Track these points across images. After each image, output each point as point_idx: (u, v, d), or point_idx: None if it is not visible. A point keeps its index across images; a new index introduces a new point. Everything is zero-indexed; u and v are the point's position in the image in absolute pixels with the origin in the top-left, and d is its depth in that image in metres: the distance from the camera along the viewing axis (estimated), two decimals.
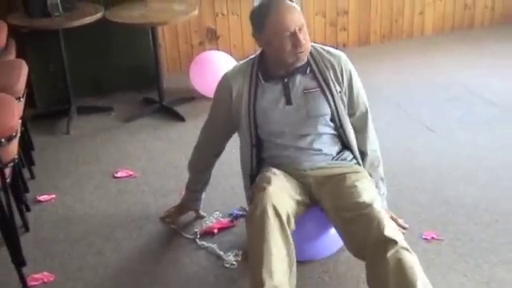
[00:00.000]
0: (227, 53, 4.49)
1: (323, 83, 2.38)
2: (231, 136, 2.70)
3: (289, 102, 2.38)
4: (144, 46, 4.24)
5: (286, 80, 2.37)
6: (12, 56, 3.51)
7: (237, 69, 2.47)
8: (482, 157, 3.37)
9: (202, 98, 4.27)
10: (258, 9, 2.31)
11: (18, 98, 2.85)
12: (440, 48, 5.11)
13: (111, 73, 4.40)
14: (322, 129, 2.42)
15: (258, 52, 2.44)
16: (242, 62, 2.50)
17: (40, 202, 3.17)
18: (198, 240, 2.77)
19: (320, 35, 5.08)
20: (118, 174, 3.40)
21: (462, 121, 3.83)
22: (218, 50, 4.69)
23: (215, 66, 4.23)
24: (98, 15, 3.84)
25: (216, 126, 2.65)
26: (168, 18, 3.93)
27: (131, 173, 3.41)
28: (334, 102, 2.39)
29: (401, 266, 1.98)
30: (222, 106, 2.52)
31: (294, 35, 2.24)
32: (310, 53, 2.40)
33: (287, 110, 2.38)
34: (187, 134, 3.83)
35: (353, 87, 2.48)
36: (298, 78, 2.37)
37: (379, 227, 2.08)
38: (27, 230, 2.93)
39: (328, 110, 2.39)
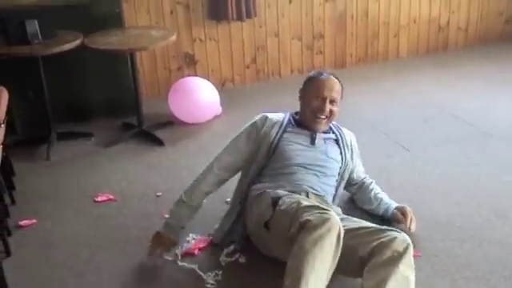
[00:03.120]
0: (205, 78, 4.55)
1: (340, 141, 2.95)
2: (237, 173, 3.00)
3: (313, 143, 2.86)
4: (123, 72, 4.29)
5: (313, 131, 2.89)
6: None
7: (275, 115, 2.99)
8: (457, 175, 3.45)
9: (181, 123, 4.32)
10: (313, 73, 3.00)
11: None
12: (415, 70, 5.23)
13: (90, 99, 4.43)
14: (330, 171, 2.84)
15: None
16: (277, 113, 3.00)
17: (21, 226, 3.17)
18: (178, 261, 2.79)
19: (297, 59, 5.17)
20: (98, 199, 3.42)
21: (436, 140, 3.91)
22: (196, 74, 4.75)
23: (194, 93, 4.29)
24: (77, 42, 3.88)
25: (233, 155, 2.95)
26: (146, 43, 3.98)
27: (111, 197, 3.43)
28: (345, 156, 2.93)
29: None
30: (247, 138, 2.95)
31: (323, 101, 2.81)
32: (334, 125, 2.99)
33: (310, 147, 2.85)
34: (166, 158, 3.87)
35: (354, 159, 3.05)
36: (323, 134, 2.91)
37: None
38: (9, 254, 2.92)
39: (340, 159, 2.90)
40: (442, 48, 5.63)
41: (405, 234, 2.33)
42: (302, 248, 2.16)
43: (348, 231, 2.32)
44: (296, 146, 2.82)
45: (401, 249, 2.24)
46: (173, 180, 3.58)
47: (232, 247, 2.85)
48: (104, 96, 4.44)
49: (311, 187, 2.73)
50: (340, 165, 2.89)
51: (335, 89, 2.83)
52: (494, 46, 5.72)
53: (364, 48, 5.36)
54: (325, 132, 2.90)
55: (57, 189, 3.57)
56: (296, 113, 2.98)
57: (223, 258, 2.79)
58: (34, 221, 3.22)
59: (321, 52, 5.23)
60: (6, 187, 3.40)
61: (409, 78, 5.08)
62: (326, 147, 2.86)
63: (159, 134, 4.16)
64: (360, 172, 3.10)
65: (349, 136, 3.02)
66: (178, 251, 2.86)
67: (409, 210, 2.87)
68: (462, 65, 5.32)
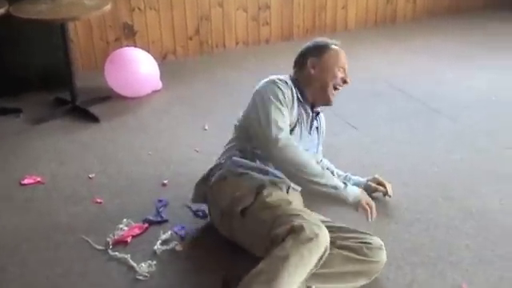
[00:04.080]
0: (145, 49, 4.30)
1: (319, 128, 2.75)
2: None
3: (310, 131, 2.63)
4: (54, 43, 3.99)
5: (313, 113, 2.64)
6: None
7: (285, 81, 2.52)
8: (404, 153, 3.35)
9: (119, 97, 4.08)
10: (318, 41, 2.66)
11: None
12: (363, 43, 5.10)
13: (19, 71, 4.12)
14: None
15: (288, 76, 2.61)
16: (278, 76, 2.54)
17: None
18: (110, 251, 2.60)
19: (242, 30, 4.96)
20: (25, 181, 3.17)
21: (384, 117, 3.80)
22: (135, 46, 4.49)
23: (132, 64, 4.05)
24: (1, 11, 3.57)
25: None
26: (78, 13, 3.69)
27: (39, 179, 3.18)
28: (319, 143, 2.79)
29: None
30: (285, 104, 2.46)
31: (344, 72, 2.59)
32: None
33: (307, 137, 2.62)
34: (101, 136, 3.64)
35: None
36: (319, 118, 2.71)
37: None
38: None
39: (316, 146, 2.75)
40: (390, 20, 5.52)
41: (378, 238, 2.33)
42: (287, 255, 1.99)
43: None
44: (298, 133, 2.55)
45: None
46: (108, 160, 3.36)
47: (169, 233, 2.68)
48: (35, 68, 4.14)
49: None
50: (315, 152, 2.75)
51: (346, 60, 2.65)
52: (442, 19, 5.64)
53: (312, 19, 5.19)
54: (317, 114, 2.69)
55: None
56: (293, 82, 2.56)
57: (158, 247, 2.60)
58: None
59: (267, 23, 5.03)
60: None
61: (357, 51, 4.94)
62: (314, 137, 2.70)
63: (95, 109, 3.91)
64: (320, 153, 2.91)
65: (323, 119, 2.83)
66: (110, 239, 2.66)
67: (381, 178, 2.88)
68: (411, 38, 5.23)
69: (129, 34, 4.59)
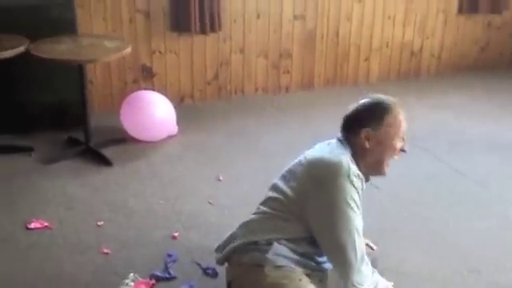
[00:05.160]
0: (163, 92, 4.23)
1: None
2: None
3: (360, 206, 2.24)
4: (72, 82, 3.92)
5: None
6: None
7: (355, 174, 2.16)
8: (426, 217, 3.20)
9: (133, 140, 3.99)
10: (376, 104, 2.28)
11: None
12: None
13: (34, 109, 4.05)
14: None
15: (344, 145, 2.28)
16: (344, 154, 2.20)
17: None
18: None
19: (262, 77, 4.89)
20: (32, 225, 3.06)
21: (406, 177, 3.65)
22: (153, 88, 4.42)
23: (149, 107, 3.98)
24: (21, 48, 3.53)
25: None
26: (97, 55, 3.65)
27: (46, 224, 3.08)
28: None
29: None
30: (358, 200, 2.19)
31: (402, 142, 2.27)
32: None
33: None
34: (113, 181, 3.53)
35: None
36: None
37: None
38: None
39: None
40: (414, 74, 5.42)
41: None
42: None
43: None
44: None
45: None
46: (118, 208, 3.25)
47: None
48: (50, 106, 4.07)
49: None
50: None
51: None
52: (467, 75, 5.53)
53: (333, 69, 5.11)
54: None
55: None
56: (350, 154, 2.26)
57: None
58: None
59: (288, 71, 4.96)
60: None
61: None
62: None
63: (108, 152, 3.82)
64: None
65: None
66: None
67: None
68: (435, 93, 5.11)
69: (147, 76, 4.53)
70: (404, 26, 5.21)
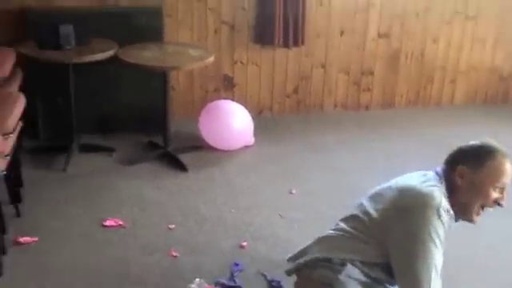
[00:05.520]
0: (242, 102, 4.28)
1: None
2: None
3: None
4: (155, 88, 4.05)
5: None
6: (15, 86, 3.38)
7: (446, 210, 2.12)
8: (506, 251, 3.07)
9: (210, 148, 4.06)
10: (482, 146, 2.22)
11: (7, 134, 2.66)
12: (470, 121, 4.79)
13: (118, 112, 4.20)
14: None
15: (439, 178, 2.22)
16: (437, 187, 2.16)
17: (20, 244, 2.96)
18: None
19: (342, 94, 4.86)
20: (107, 223, 3.18)
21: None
22: (233, 98, 4.48)
23: (227, 117, 4.04)
24: (111, 52, 3.69)
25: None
26: (181, 63, 3.76)
27: (121, 223, 3.19)
28: None
29: None
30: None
31: (501, 191, 2.17)
32: None
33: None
34: (187, 187, 3.61)
35: None
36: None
37: None
38: (0, 274, 2.73)
39: None
40: (501, 100, 5.22)
41: None
42: None
43: None
44: None
45: None
46: (189, 213, 3.32)
47: None
48: (133, 110, 4.20)
49: None
50: None
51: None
52: None
53: (416, 90, 5.00)
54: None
55: (66, 205, 3.36)
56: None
57: None
58: (35, 239, 3.01)
59: (369, 89, 4.90)
60: (12, 200, 3.20)
61: (462, 128, 4.63)
62: None
63: (184, 158, 3.90)
64: None
65: None
66: None
67: None
68: None
69: (228, 86, 4.60)
70: (494, 49, 5.04)
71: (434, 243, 2.05)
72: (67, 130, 3.95)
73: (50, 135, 4.16)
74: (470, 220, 2.22)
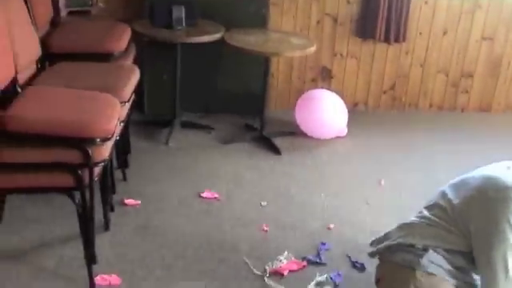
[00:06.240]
0: (338, 95, 4.38)
1: None
2: None
3: None
4: (256, 73, 4.23)
5: None
6: (129, 60, 3.62)
7: None
8: None
9: (303, 135, 4.20)
10: None
11: (123, 102, 2.90)
12: None
13: (220, 93, 4.43)
14: None
15: None
16: None
17: (125, 205, 3.22)
18: (266, 278, 2.69)
19: (438, 94, 4.86)
20: (204, 195, 3.39)
21: None
22: (329, 89, 4.58)
23: (323, 106, 4.16)
24: (217, 35, 3.89)
25: None
26: (282, 49, 3.91)
27: (216, 196, 3.38)
28: None
29: None
30: None
31: None
32: None
33: None
34: (279, 169, 3.77)
35: None
36: None
37: None
38: (107, 229, 2.99)
39: None
40: None
41: None
42: None
43: None
44: None
45: None
46: (281, 192, 3.48)
47: (324, 276, 2.70)
48: (233, 93, 4.42)
49: None
50: None
51: None
52: None
53: None
54: None
55: (168, 175, 3.59)
56: None
57: (312, 287, 2.64)
58: (139, 202, 3.25)
59: (467, 91, 4.88)
60: (121, 164, 3.47)
61: None
62: None
63: (278, 142, 4.07)
64: None
65: None
66: (268, 267, 2.75)
67: None
68: None
69: (325, 78, 4.72)
70: None
71: (509, 240, 2.10)
72: (170, 107, 4.21)
73: (153, 110, 4.43)
74: None
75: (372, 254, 2.50)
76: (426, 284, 2.21)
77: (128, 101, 3.03)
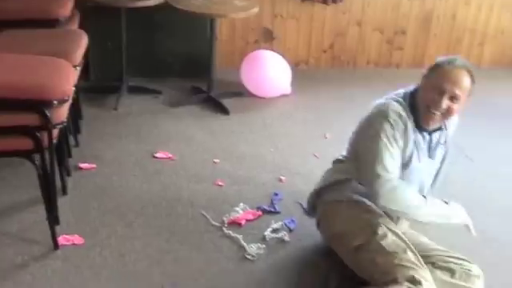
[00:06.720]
0: (280, 54, 4.53)
1: (445, 143, 2.55)
2: None
3: (431, 155, 2.48)
4: (201, 36, 4.32)
5: (430, 134, 2.46)
6: (75, 27, 3.64)
7: (395, 112, 2.37)
8: None
9: (250, 95, 4.34)
10: (444, 58, 2.39)
11: (75, 66, 2.95)
12: (496, 82, 5.01)
13: (165, 57, 4.50)
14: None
15: (407, 93, 2.47)
16: (393, 100, 2.42)
17: (81, 169, 3.28)
18: (224, 228, 2.83)
19: (375, 52, 5.08)
20: (158, 155, 3.48)
21: (503, 155, 3.78)
22: (272, 50, 4.72)
23: (267, 66, 4.30)
24: None
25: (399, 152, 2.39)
26: (227, 11, 4.00)
27: (170, 155, 3.49)
28: (445, 160, 2.58)
29: None
30: (397, 138, 2.37)
31: (440, 95, 2.30)
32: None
33: (427, 163, 2.48)
34: (228, 128, 3.90)
35: None
36: (438, 133, 2.49)
37: None
38: (65, 193, 3.04)
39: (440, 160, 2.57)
40: None
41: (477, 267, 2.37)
42: None
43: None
44: (417, 166, 2.43)
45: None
46: (232, 150, 3.61)
47: (279, 223, 2.88)
48: (179, 56, 4.50)
49: None
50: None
51: (460, 84, 2.30)
52: None
53: (445, 51, 5.19)
54: (439, 129, 2.49)
55: (120, 139, 3.66)
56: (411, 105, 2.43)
57: (268, 234, 2.81)
58: (94, 165, 3.32)
59: (400, 48, 5.12)
60: (73, 130, 3.51)
61: (489, 89, 4.87)
62: (437, 157, 2.53)
63: (226, 102, 4.19)
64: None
65: (454, 126, 2.62)
66: (226, 218, 2.90)
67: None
68: None
69: (268, 39, 4.85)
70: None
71: (383, 142, 2.31)
72: (117, 72, 4.24)
73: (99, 77, 4.45)
74: (423, 124, 2.38)
75: (308, 212, 2.77)
76: (354, 211, 2.45)
77: (78, 65, 3.07)
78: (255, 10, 4.02)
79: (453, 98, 2.31)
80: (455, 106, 2.33)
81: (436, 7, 5.04)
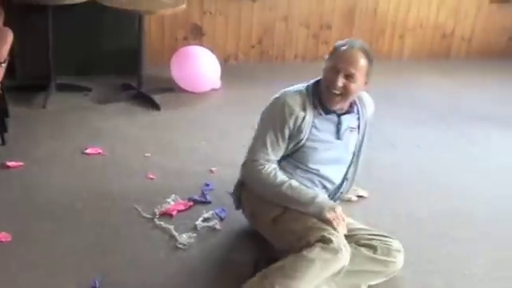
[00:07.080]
0: (210, 50, 4.59)
1: (362, 127, 2.69)
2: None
3: (338, 136, 2.60)
4: (130, 33, 4.33)
5: (339, 116, 2.59)
6: None
7: (295, 99, 2.56)
8: (430, 177, 3.55)
9: (180, 90, 4.39)
10: (342, 42, 2.55)
11: (0, 63, 2.93)
12: (416, 74, 5.25)
13: (94, 54, 4.49)
14: (345, 162, 2.71)
15: (311, 83, 2.63)
16: (294, 90, 2.62)
17: (8, 167, 3.25)
18: (156, 220, 2.88)
19: (302, 46, 5.23)
20: (88, 151, 3.49)
21: (423, 143, 3.98)
22: (201, 46, 4.78)
23: (196, 61, 4.36)
24: None
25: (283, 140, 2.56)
26: (155, 8, 4.04)
27: (100, 151, 3.50)
28: (362, 144, 2.72)
29: None
30: (286, 127, 2.54)
31: (335, 73, 2.45)
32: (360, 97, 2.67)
33: (334, 143, 2.60)
34: (160, 123, 3.94)
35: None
36: (348, 116, 2.61)
37: None
38: None
39: (355, 145, 2.70)
40: (444, 55, 5.68)
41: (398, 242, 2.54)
42: (313, 259, 2.26)
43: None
44: (321, 146, 2.56)
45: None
46: (163, 144, 3.66)
47: (210, 213, 2.96)
48: (108, 53, 4.50)
49: (326, 182, 2.67)
50: (354, 150, 2.72)
51: (355, 63, 2.44)
52: (496, 61, 5.66)
53: (368, 43, 5.34)
54: (348, 112, 2.62)
55: (49, 137, 3.64)
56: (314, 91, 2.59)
57: (199, 223, 2.88)
58: (22, 163, 3.29)
59: (326, 42, 5.28)
60: None
61: (409, 80, 5.12)
62: (348, 139, 2.64)
63: (157, 98, 4.22)
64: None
65: (370, 111, 2.76)
66: (157, 210, 2.94)
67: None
68: (462, 75, 5.33)
69: (197, 35, 4.91)
70: (438, 8, 5.47)
71: (268, 123, 2.57)
72: (43, 71, 4.20)
73: (25, 75, 4.38)
74: (328, 106, 2.54)
75: (237, 207, 2.84)
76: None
77: (4, 62, 3.05)
78: (183, 6, 4.08)
79: (348, 77, 2.44)
80: (352, 86, 2.45)
81: (359, 1, 5.22)
